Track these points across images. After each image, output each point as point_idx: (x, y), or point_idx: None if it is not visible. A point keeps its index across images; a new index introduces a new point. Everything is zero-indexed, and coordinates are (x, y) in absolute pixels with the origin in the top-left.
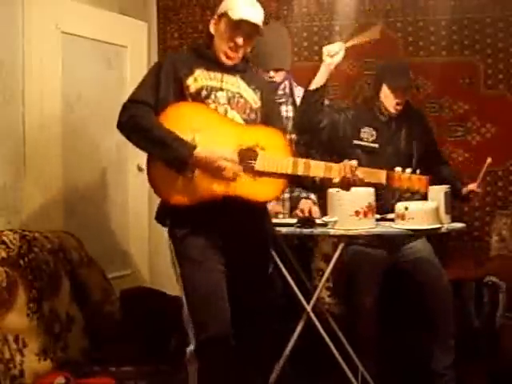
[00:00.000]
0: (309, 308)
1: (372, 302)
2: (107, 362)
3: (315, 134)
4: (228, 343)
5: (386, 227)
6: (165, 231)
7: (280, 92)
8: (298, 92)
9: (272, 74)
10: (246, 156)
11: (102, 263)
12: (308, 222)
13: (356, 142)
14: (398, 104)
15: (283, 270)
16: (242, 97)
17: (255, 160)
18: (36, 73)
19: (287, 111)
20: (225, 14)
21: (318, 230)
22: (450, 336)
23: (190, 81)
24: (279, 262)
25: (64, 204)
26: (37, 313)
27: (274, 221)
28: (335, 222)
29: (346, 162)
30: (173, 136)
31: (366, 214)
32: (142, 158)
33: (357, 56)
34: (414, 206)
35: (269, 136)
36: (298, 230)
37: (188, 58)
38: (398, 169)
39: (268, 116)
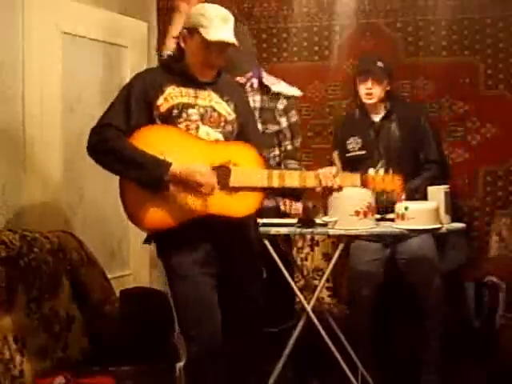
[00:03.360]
0: (309, 308)
1: (371, 292)
2: (107, 362)
3: None
4: (218, 356)
5: (386, 227)
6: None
7: (248, 89)
8: (272, 80)
9: (238, 78)
10: (220, 173)
11: (102, 263)
12: (308, 221)
13: (348, 155)
14: (367, 93)
15: (283, 270)
16: (214, 110)
17: (229, 177)
18: (36, 73)
19: (254, 101)
20: (197, 32)
21: (318, 230)
22: (437, 336)
23: (160, 101)
24: (279, 263)
25: (64, 204)
26: (37, 313)
27: (274, 221)
28: (335, 221)
29: (324, 169)
30: (146, 155)
31: (366, 214)
32: None
33: (357, 56)
34: (414, 206)
35: (240, 151)
36: (298, 229)
37: (158, 76)
38: (371, 171)
39: (243, 127)
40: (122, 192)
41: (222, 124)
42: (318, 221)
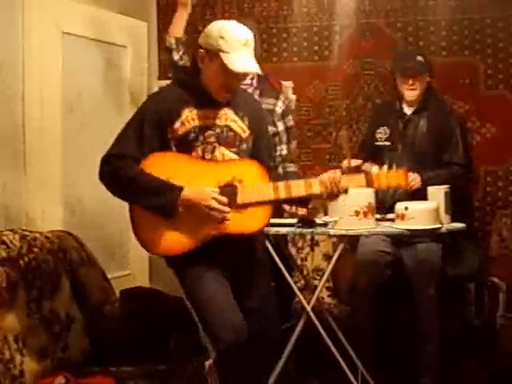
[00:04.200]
0: (309, 308)
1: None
2: (107, 362)
3: None
4: (245, 348)
5: (386, 227)
6: None
7: (247, 82)
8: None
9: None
10: (227, 192)
11: (102, 263)
12: (308, 221)
13: (376, 143)
14: (410, 89)
15: (283, 270)
16: (230, 130)
17: (236, 194)
18: (36, 73)
19: None
20: (218, 56)
21: (318, 230)
22: (433, 340)
23: (176, 125)
24: (280, 265)
25: (64, 204)
26: (37, 313)
27: (273, 221)
28: (335, 222)
29: (327, 173)
30: (157, 182)
31: (366, 214)
32: None
33: (357, 56)
34: (414, 206)
35: (242, 167)
36: (299, 229)
37: (175, 98)
38: (375, 169)
39: (255, 141)
40: (132, 218)
41: (237, 143)
42: (318, 221)
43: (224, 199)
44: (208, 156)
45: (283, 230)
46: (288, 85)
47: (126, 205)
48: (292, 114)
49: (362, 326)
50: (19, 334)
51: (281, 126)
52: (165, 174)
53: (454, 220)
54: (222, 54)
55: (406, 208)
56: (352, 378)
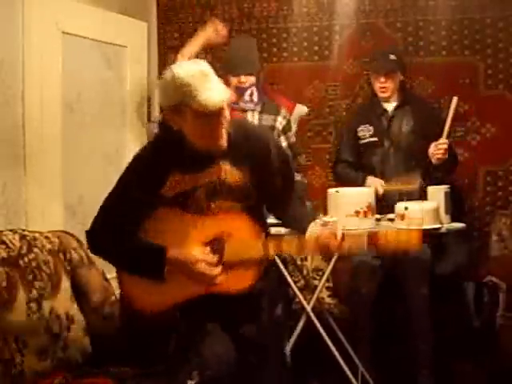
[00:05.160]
0: (309, 308)
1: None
2: (107, 362)
3: None
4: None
5: (385, 227)
6: None
7: (246, 98)
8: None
9: (243, 78)
10: (214, 248)
11: (101, 263)
12: None
13: (359, 142)
14: (382, 88)
15: (284, 271)
16: (224, 183)
17: (223, 250)
18: (36, 73)
19: (252, 117)
20: (182, 107)
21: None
22: (427, 340)
23: (163, 190)
24: (279, 262)
25: (64, 204)
26: (37, 313)
27: (274, 221)
28: (335, 221)
29: (326, 229)
30: (140, 246)
31: (365, 214)
32: None
33: (357, 56)
34: (414, 205)
35: (232, 221)
36: None
37: (157, 163)
38: (384, 223)
39: (262, 179)
40: (119, 275)
41: (235, 193)
42: (317, 221)
43: (213, 259)
44: (201, 212)
45: (283, 230)
46: (301, 110)
47: None
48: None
49: (363, 326)
50: (19, 334)
51: (283, 142)
52: (152, 229)
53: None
54: (183, 102)
55: (406, 208)
56: (352, 378)
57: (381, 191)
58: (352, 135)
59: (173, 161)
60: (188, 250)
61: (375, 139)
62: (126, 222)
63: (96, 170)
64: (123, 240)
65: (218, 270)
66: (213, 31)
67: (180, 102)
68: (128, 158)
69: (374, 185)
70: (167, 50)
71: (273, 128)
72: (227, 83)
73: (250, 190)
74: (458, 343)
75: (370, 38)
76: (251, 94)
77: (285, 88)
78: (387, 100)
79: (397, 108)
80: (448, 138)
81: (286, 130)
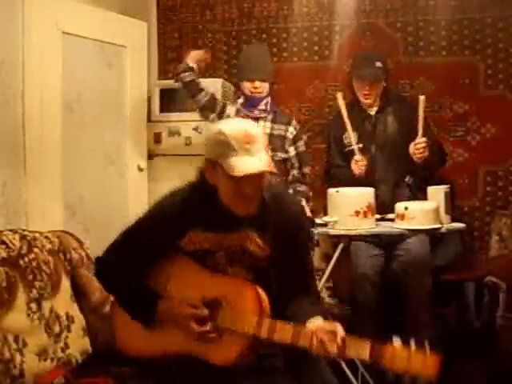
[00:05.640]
0: None
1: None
2: (107, 362)
3: None
4: None
5: (386, 227)
6: None
7: (262, 107)
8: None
9: (258, 84)
10: (209, 307)
11: None
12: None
13: (346, 150)
14: (366, 95)
15: None
16: (246, 251)
17: (217, 314)
18: (36, 73)
19: (264, 127)
20: (219, 165)
21: (317, 230)
22: (427, 337)
23: (182, 243)
24: None
25: (64, 204)
26: (37, 313)
27: None
28: (335, 221)
29: (327, 327)
30: (139, 289)
31: (365, 214)
32: (141, 158)
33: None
34: (414, 205)
35: (238, 287)
36: None
37: (180, 215)
38: (397, 340)
39: (282, 262)
40: (112, 312)
41: (254, 263)
42: (318, 221)
43: (203, 314)
44: (216, 272)
45: None
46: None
47: (126, 205)
48: None
49: (363, 327)
50: (19, 334)
51: (292, 152)
52: (160, 270)
53: None
54: (222, 162)
55: (406, 208)
56: (352, 378)
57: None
58: (338, 142)
59: (198, 216)
60: (181, 303)
61: (360, 145)
62: (136, 263)
63: (96, 170)
64: (127, 279)
65: (207, 328)
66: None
67: (216, 158)
68: (128, 157)
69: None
70: (167, 49)
71: (284, 138)
72: (241, 90)
73: (269, 265)
74: (458, 344)
75: (370, 38)
76: (266, 104)
77: (285, 88)
78: (370, 105)
79: (379, 111)
80: (425, 135)
81: (296, 139)
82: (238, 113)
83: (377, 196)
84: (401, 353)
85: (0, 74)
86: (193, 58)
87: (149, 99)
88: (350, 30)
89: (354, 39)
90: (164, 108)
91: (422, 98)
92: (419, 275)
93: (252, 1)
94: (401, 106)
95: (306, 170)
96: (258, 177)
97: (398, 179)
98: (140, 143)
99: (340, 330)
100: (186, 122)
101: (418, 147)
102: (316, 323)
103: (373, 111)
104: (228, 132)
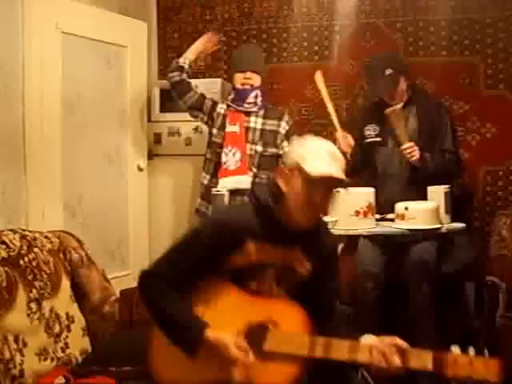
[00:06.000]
0: None
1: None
2: (107, 362)
3: None
4: None
5: (386, 227)
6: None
7: (251, 100)
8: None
9: (249, 74)
10: (255, 335)
11: (102, 263)
12: None
13: (364, 141)
14: (389, 99)
15: None
16: (293, 270)
17: (264, 339)
18: (36, 73)
19: (256, 122)
20: (298, 168)
21: None
22: (427, 340)
23: (236, 256)
24: None
25: (64, 204)
26: (37, 313)
27: None
28: (335, 221)
29: (388, 340)
30: (184, 315)
31: (365, 214)
32: (141, 158)
33: (357, 56)
34: (414, 205)
35: (284, 309)
36: None
37: (241, 225)
38: (456, 349)
39: (320, 283)
40: (152, 341)
41: (296, 282)
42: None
43: (245, 347)
44: (259, 291)
45: None
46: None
47: (126, 205)
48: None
49: (365, 327)
50: (19, 334)
51: (286, 147)
52: (202, 298)
53: (453, 217)
54: (302, 164)
55: (406, 208)
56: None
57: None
58: (358, 133)
59: (257, 226)
60: (225, 334)
61: (379, 139)
62: (183, 277)
63: (96, 170)
64: (172, 297)
65: (250, 359)
66: (206, 42)
67: (297, 163)
68: (128, 157)
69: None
70: (167, 49)
71: (276, 133)
72: (233, 85)
73: (311, 286)
74: (458, 344)
75: (370, 38)
76: (256, 97)
77: (285, 88)
78: (394, 100)
79: (403, 107)
80: (410, 140)
81: (289, 134)
82: (227, 108)
83: (386, 191)
84: (462, 360)
85: (0, 73)
86: (194, 50)
87: (149, 99)
88: (349, 29)
89: (353, 39)
90: (164, 108)
91: (398, 107)
92: (420, 281)
93: (252, 1)
94: (425, 105)
95: None
96: (332, 186)
97: (411, 178)
98: (140, 143)
99: (401, 341)
100: (186, 122)
101: (406, 151)
102: (371, 338)
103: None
104: (311, 143)
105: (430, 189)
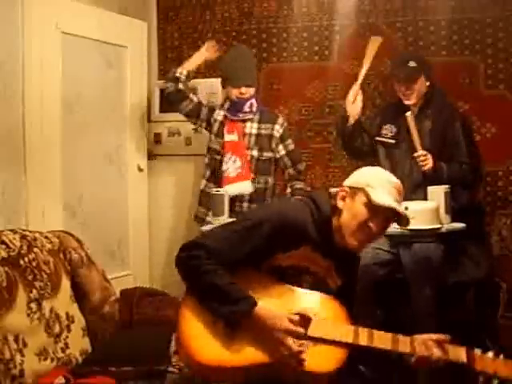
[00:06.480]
0: None
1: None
2: (107, 362)
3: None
4: None
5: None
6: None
7: (246, 109)
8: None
9: (244, 90)
10: (299, 320)
11: (102, 263)
12: None
13: (377, 138)
14: (405, 95)
15: None
16: (324, 282)
17: (307, 325)
18: (36, 73)
19: (251, 127)
20: (362, 191)
21: None
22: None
23: (287, 254)
24: None
25: (64, 204)
26: (37, 313)
27: None
28: None
29: (424, 335)
30: (232, 289)
31: None
32: (142, 158)
33: (357, 56)
34: (414, 205)
35: (324, 301)
36: None
37: (304, 227)
38: (477, 350)
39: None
40: (182, 314)
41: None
42: None
43: (301, 331)
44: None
45: None
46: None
47: (126, 205)
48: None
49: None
50: (19, 334)
51: (282, 151)
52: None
53: (460, 221)
54: (368, 189)
55: (406, 208)
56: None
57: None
58: (374, 130)
59: (314, 234)
60: (282, 315)
61: (393, 141)
62: (233, 260)
63: (96, 170)
64: (222, 272)
65: (304, 349)
66: (207, 50)
67: (364, 186)
68: (128, 157)
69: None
70: (167, 49)
71: (271, 136)
72: (227, 94)
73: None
74: (458, 344)
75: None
76: (251, 106)
77: (285, 88)
78: (412, 105)
79: (419, 111)
80: (424, 148)
81: (284, 138)
82: (225, 118)
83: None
84: (487, 358)
85: (0, 73)
86: (193, 62)
87: (149, 99)
88: (350, 29)
89: (353, 39)
90: (164, 108)
91: (408, 114)
92: (421, 280)
93: (252, 1)
94: (440, 110)
95: (301, 166)
96: (390, 218)
97: (419, 182)
98: (140, 143)
99: (438, 335)
100: (186, 122)
101: (419, 159)
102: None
103: (414, 110)
104: (385, 175)
105: (430, 189)
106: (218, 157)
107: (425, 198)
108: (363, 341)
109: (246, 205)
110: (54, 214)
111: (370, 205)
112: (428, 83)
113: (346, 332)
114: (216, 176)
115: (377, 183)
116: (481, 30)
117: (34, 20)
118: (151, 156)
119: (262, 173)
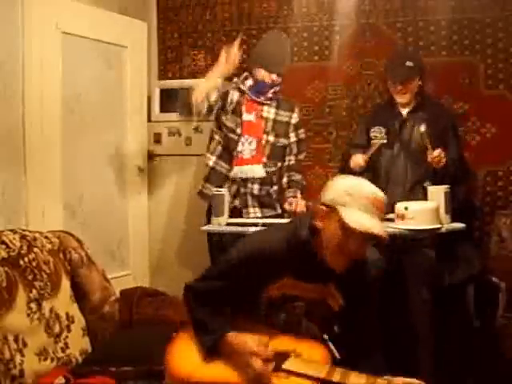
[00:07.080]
0: None
1: None
2: (107, 362)
3: None
4: None
5: (385, 227)
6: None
7: (270, 95)
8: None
9: (275, 77)
10: (277, 356)
11: (102, 263)
12: None
13: (370, 141)
14: (399, 94)
15: None
16: (326, 304)
17: (284, 360)
18: (36, 73)
19: (269, 112)
20: (337, 212)
21: None
22: (427, 347)
23: (270, 288)
24: None
25: (64, 204)
26: (37, 313)
27: (273, 221)
28: None
29: (402, 379)
30: (211, 321)
31: None
32: (142, 158)
33: (357, 56)
34: (414, 205)
35: (309, 347)
36: None
37: (282, 259)
38: None
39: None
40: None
41: (327, 315)
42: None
43: (269, 354)
44: (289, 325)
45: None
46: None
47: (125, 205)
48: None
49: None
50: (19, 334)
51: (293, 138)
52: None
53: (454, 221)
54: (341, 209)
55: (406, 208)
56: None
57: (362, 163)
58: (364, 133)
59: (295, 261)
60: (252, 338)
61: (384, 141)
62: (217, 298)
63: (96, 170)
64: (205, 309)
65: (268, 369)
66: (226, 60)
67: (337, 205)
68: (128, 158)
69: (356, 159)
70: (167, 49)
71: (288, 124)
72: (253, 73)
73: (343, 316)
74: (458, 344)
75: (370, 38)
76: (274, 92)
77: (285, 88)
78: (404, 105)
79: (411, 112)
80: (435, 148)
81: (298, 126)
82: (241, 95)
83: (390, 195)
84: None
85: (0, 73)
86: (206, 90)
87: (149, 99)
88: (349, 30)
89: (353, 39)
90: (164, 108)
91: (422, 129)
92: (419, 284)
93: (252, 1)
94: (433, 111)
95: (301, 156)
96: (370, 239)
97: (414, 182)
98: (140, 143)
99: (416, 380)
100: (186, 122)
101: (433, 158)
102: (397, 379)
103: (405, 111)
104: (359, 189)
105: (429, 189)
106: (233, 136)
107: (422, 198)
108: (336, 378)
109: (256, 187)
110: (54, 213)
111: (345, 226)
112: (420, 82)
113: (320, 368)
114: (228, 154)
115: (351, 201)
116: (481, 30)
117: (34, 20)
118: (151, 156)
119: (274, 158)
